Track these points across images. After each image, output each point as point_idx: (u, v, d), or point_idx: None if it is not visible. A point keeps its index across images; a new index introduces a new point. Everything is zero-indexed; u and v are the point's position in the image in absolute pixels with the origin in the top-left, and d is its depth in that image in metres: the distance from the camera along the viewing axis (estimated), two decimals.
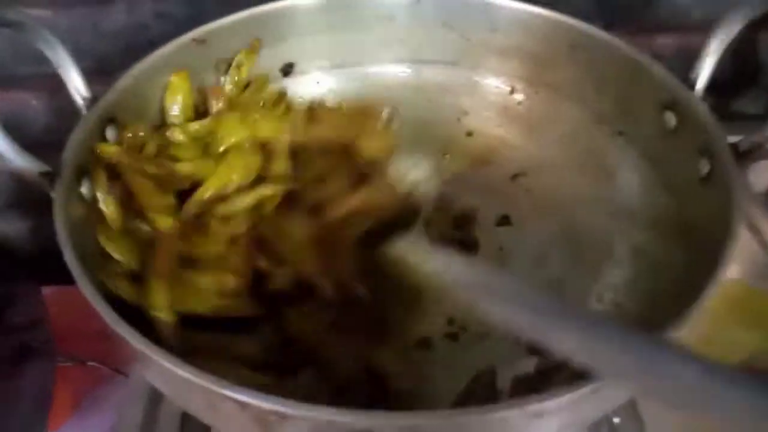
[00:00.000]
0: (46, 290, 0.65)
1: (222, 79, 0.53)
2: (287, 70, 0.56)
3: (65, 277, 0.34)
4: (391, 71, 0.58)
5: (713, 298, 0.54)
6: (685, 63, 0.45)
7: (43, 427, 0.54)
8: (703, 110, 0.41)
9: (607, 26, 0.77)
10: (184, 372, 0.28)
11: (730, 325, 0.53)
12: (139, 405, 0.49)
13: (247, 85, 0.54)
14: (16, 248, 0.78)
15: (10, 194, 0.74)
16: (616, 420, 0.45)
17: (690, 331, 0.52)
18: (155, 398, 0.49)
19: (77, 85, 0.43)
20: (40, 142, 0.40)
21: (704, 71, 0.43)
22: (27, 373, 0.54)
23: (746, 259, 0.57)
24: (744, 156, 0.38)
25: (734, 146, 0.38)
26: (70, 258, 0.34)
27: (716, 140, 0.39)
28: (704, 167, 0.41)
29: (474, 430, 0.27)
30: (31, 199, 0.75)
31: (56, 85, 0.44)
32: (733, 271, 0.56)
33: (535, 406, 0.26)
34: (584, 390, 0.27)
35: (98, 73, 0.45)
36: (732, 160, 0.38)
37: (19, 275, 0.62)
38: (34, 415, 0.53)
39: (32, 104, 0.74)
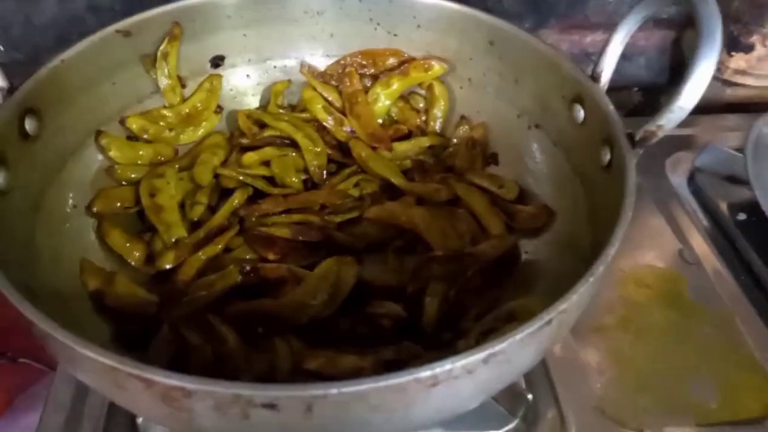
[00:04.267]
0: None
1: (151, 74, 0.53)
2: (217, 62, 0.57)
3: None
4: (322, 65, 0.59)
5: (628, 283, 0.58)
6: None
7: None
8: (606, 103, 0.44)
9: (539, 25, 0.80)
10: (88, 351, 0.29)
11: (646, 307, 0.56)
12: (65, 398, 0.48)
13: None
14: None
15: None
16: (530, 396, 0.47)
17: (609, 313, 0.55)
18: (81, 393, 0.48)
19: None
20: None
21: (607, 67, 0.45)
22: None
23: (658, 245, 0.61)
24: (639, 143, 0.41)
25: (630, 135, 0.41)
26: None
27: (616, 130, 0.42)
28: (606, 155, 0.43)
29: (370, 399, 0.28)
30: None
31: None
32: (646, 257, 0.60)
33: (427, 373, 0.28)
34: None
35: (29, 66, 0.45)
36: (629, 147, 0.40)
37: None
38: None
39: None
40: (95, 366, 0.29)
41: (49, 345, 0.33)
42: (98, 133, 0.51)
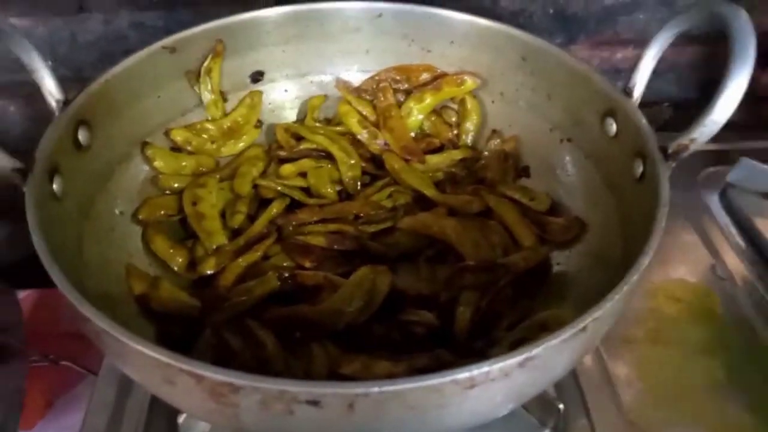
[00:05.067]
0: (22, 294, 0.66)
1: (195, 88, 0.56)
2: (257, 77, 0.59)
3: (41, 282, 0.35)
4: (357, 80, 0.60)
5: (659, 296, 0.58)
6: None
7: (16, 426, 0.55)
8: (639, 117, 0.45)
9: (569, 41, 0.81)
10: (142, 348, 0.30)
11: (677, 321, 0.56)
12: (108, 399, 0.50)
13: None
14: None
15: None
16: (561, 406, 0.48)
17: (639, 326, 0.55)
18: (123, 393, 0.50)
19: (50, 88, 0.45)
20: (18, 147, 0.42)
21: (640, 81, 0.46)
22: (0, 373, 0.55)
23: (690, 260, 0.61)
24: (672, 156, 0.41)
25: (663, 148, 0.42)
26: (40, 245, 0.36)
27: (649, 143, 0.43)
28: (639, 168, 0.44)
29: (408, 399, 0.29)
30: (9, 207, 0.76)
31: (33, 92, 0.46)
32: (678, 271, 0.60)
33: (464, 375, 0.29)
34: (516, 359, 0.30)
35: (75, 81, 0.47)
36: (662, 159, 0.41)
37: None
38: (7, 414, 0.54)
39: (10, 111, 0.76)
40: (147, 362, 0.30)
41: (101, 341, 0.34)
42: (144, 144, 0.53)
